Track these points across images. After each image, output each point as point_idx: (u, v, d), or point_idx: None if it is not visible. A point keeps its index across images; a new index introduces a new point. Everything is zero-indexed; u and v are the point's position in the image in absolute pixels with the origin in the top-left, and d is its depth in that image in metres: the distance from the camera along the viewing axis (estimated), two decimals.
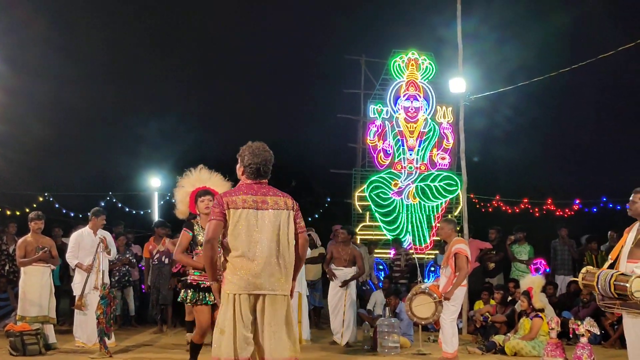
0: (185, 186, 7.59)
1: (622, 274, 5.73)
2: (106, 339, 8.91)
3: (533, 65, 17.28)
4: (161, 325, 11.99)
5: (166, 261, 12.04)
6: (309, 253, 11.35)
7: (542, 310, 9.59)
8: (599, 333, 9.45)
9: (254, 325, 4.84)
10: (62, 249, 10.88)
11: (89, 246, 9.80)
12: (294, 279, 5.13)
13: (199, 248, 6.96)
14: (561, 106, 25.14)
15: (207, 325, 6.70)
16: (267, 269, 4.84)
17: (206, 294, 6.74)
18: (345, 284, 10.49)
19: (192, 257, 6.97)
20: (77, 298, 9.72)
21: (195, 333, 6.87)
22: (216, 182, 7.51)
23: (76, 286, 9.85)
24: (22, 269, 9.78)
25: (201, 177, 7.61)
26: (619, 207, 19.02)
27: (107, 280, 9.62)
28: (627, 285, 5.56)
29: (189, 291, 6.84)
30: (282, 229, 4.96)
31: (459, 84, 12.79)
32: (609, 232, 12.95)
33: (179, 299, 7.08)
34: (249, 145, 5.14)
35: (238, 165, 5.17)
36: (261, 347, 4.82)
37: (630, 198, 6.16)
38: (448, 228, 9.13)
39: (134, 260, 12.91)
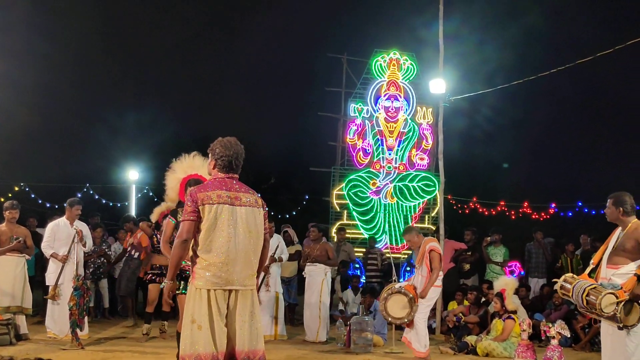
0: (177, 171, 7.56)
1: (594, 287, 5.78)
2: (78, 330, 8.87)
3: (513, 66, 17.45)
4: (134, 317, 11.92)
5: (135, 255, 11.99)
6: (287, 250, 11.38)
7: (514, 312, 9.66)
8: (569, 336, 9.56)
9: (225, 316, 4.83)
10: (36, 239, 10.79)
11: (64, 237, 9.74)
12: (257, 276, 5.18)
13: None
14: (541, 108, 25.38)
15: None
16: (240, 264, 4.85)
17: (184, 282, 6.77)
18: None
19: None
20: (50, 288, 9.65)
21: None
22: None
23: (50, 276, 9.78)
24: None
25: (194, 163, 7.58)
26: (594, 212, 19.22)
27: (81, 271, 9.57)
28: (597, 302, 5.62)
29: (182, 282, 6.81)
30: (254, 225, 4.97)
31: (439, 85, 12.84)
32: (582, 236, 13.07)
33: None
34: (219, 139, 5.13)
35: (209, 161, 5.15)
36: (232, 339, 4.82)
37: (607, 204, 6.23)
38: (415, 236, 9.20)
39: (110, 253, 12.83)
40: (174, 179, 7.59)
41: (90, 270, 12.18)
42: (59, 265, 9.64)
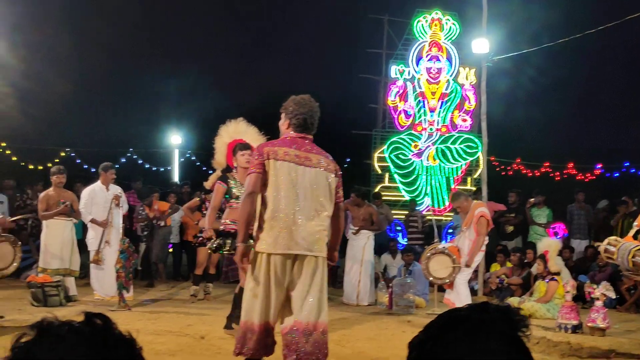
0: (223, 136, 7.65)
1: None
2: (125, 292, 9.07)
3: (559, 25, 16.97)
4: (152, 280, 12.22)
5: (162, 224, 12.43)
6: None
7: (558, 274, 9.58)
8: (614, 297, 9.45)
9: (287, 286, 4.60)
10: None
11: (102, 201, 9.91)
12: (335, 247, 4.95)
13: (233, 200, 7.05)
14: (587, 67, 24.76)
15: None
16: (304, 228, 4.54)
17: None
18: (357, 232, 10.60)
19: (226, 210, 7.11)
20: (93, 252, 9.85)
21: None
22: (252, 135, 7.55)
23: (90, 241, 9.99)
24: (44, 222, 9.89)
25: (239, 128, 7.66)
26: None
27: (119, 235, 9.74)
28: None
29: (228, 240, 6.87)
30: (322, 190, 4.66)
31: (482, 45, 12.59)
32: (623, 198, 12.71)
33: (212, 249, 7.10)
34: (292, 97, 4.82)
35: (282, 121, 4.86)
36: (293, 310, 4.59)
37: None
38: (464, 202, 9.09)
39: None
40: (221, 144, 7.68)
41: (144, 233, 12.45)
42: (99, 230, 9.83)
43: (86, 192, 10.12)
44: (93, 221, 9.87)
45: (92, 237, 9.95)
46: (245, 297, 4.67)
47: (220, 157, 7.76)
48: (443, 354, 1.30)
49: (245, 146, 7.21)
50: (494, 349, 1.29)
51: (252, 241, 4.71)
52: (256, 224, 4.65)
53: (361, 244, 10.60)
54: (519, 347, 1.35)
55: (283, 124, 4.85)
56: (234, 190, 7.08)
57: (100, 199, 9.94)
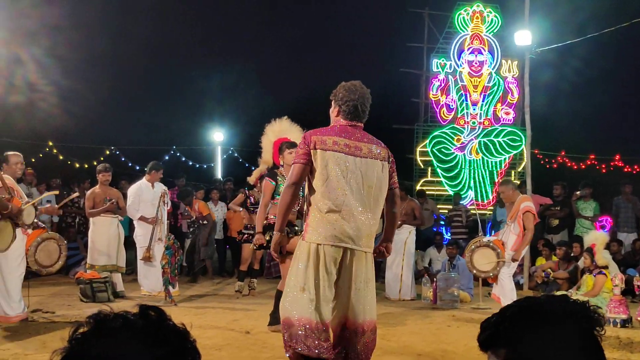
0: (269, 134, 7.74)
1: None
2: (170, 287, 9.18)
3: (605, 15, 16.62)
4: (195, 277, 12.34)
5: (205, 222, 12.60)
6: None
7: (605, 267, 9.42)
8: None
9: (335, 280, 4.41)
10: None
11: (150, 199, 10.06)
12: (391, 237, 4.78)
13: (279, 197, 7.08)
14: (634, 57, 24.23)
15: None
16: (355, 222, 4.35)
17: None
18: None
19: (271, 206, 7.12)
20: (144, 250, 9.98)
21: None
22: (296, 133, 7.60)
23: (139, 239, 10.14)
24: (90, 219, 10.06)
25: (283, 127, 7.73)
26: None
27: (165, 232, 9.87)
28: None
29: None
30: (374, 180, 4.45)
31: (524, 37, 12.42)
32: None
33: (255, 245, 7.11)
34: (343, 84, 4.61)
35: (332, 108, 4.66)
36: (342, 307, 4.42)
37: None
38: (511, 190, 9.01)
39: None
40: (267, 142, 7.76)
41: (191, 229, 12.63)
42: (146, 227, 9.97)
43: (133, 189, 10.26)
44: (142, 219, 10.01)
45: (140, 235, 10.09)
46: (290, 291, 4.43)
47: (267, 156, 7.85)
48: (517, 340, 1.30)
49: (292, 144, 7.24)
50: (570, 342, 1.29)
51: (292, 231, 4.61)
52: (307, 215, 4.49)
53: (403, 237, 10.56)
54: (594, 344, 1.33)
55: (333, 111, 4.66)
56: (281, 188, 7.12)
57: (147, 196, 10.08)
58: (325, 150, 4.35)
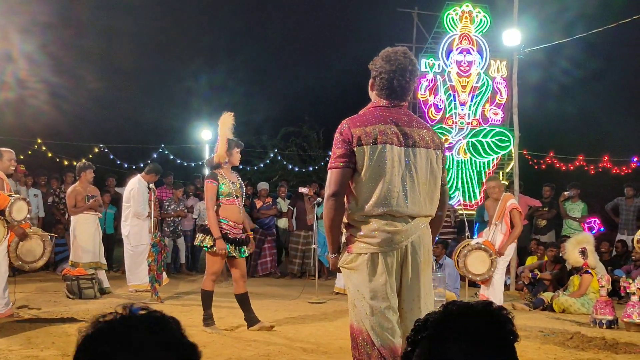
0: (223, 128, 7.36)
1: None
2: (157, 285, 9.16)
3: (594, 15, 16.67)
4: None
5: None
6: None
7: (592, 268, 9.45)
8: None
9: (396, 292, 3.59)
10: (116, 198, 11.10)
11: (146, 197, 10.09)
12: (432, 242, 3.81)
13: (222, 198, 6.96)
14: (622, 58, 24.34)
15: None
16: (415, 229, 3.60)
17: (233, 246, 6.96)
18: None
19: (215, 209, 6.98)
20: (143, 246, 9.99)
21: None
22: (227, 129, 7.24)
23: (133, 236, 10.21)
24: (72, 217, 10.04)
25: (228, 121, 7.25)
26: None
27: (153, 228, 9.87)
28: None
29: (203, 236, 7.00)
30: (428, 174, 3.65)
31: (513, 36, 12.42)
32: None
33: (203, 246, 7.05)
34: (383, 50, 3.77)
35: (370, 81, 3.81)
36: (402, 321, 3.57)
37: None
38: (497, 187, 9.02)
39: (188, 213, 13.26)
40: (222, 136, 7.22)
41: (170, 228, 12.63)
42: (142, 224, 10.04)
43: (138, 188, 10.18)
44: (148, 216, 10.02)
45: (137, 233, 10.15)
46: (364, 318, 3.53)
47: (221, 151, 7.31)
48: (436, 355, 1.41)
49: (240, 144, 7.15)
50: (480, 353, 1.38)
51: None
52: (348, 224, 3.69)
53: None
54: (506, 350, 1.42)
55: (370, 84, 3.80)
56: (223, 188, 6.98)
57: (146, 194, 10.12)
58: (372, 144, 3.51)
